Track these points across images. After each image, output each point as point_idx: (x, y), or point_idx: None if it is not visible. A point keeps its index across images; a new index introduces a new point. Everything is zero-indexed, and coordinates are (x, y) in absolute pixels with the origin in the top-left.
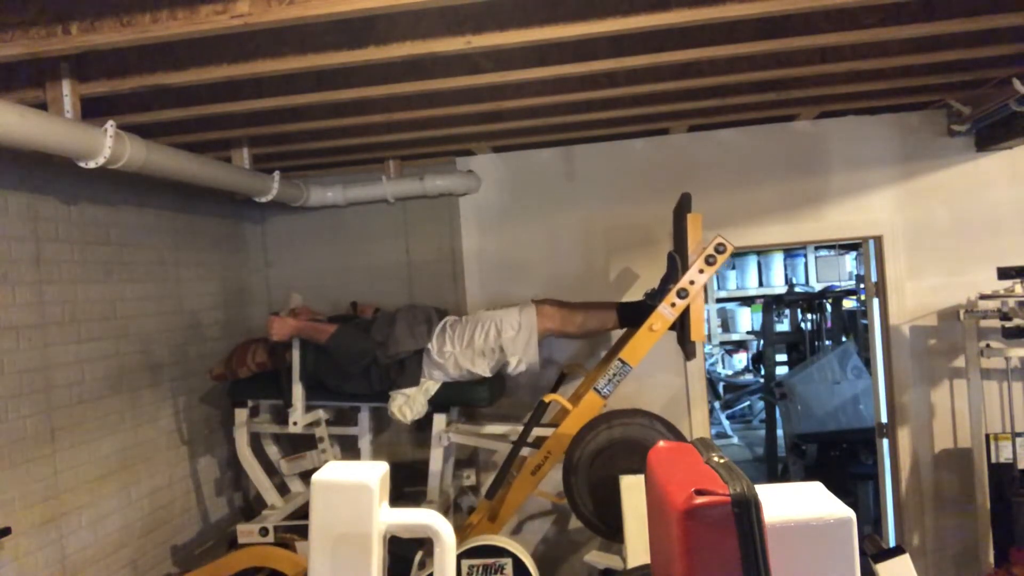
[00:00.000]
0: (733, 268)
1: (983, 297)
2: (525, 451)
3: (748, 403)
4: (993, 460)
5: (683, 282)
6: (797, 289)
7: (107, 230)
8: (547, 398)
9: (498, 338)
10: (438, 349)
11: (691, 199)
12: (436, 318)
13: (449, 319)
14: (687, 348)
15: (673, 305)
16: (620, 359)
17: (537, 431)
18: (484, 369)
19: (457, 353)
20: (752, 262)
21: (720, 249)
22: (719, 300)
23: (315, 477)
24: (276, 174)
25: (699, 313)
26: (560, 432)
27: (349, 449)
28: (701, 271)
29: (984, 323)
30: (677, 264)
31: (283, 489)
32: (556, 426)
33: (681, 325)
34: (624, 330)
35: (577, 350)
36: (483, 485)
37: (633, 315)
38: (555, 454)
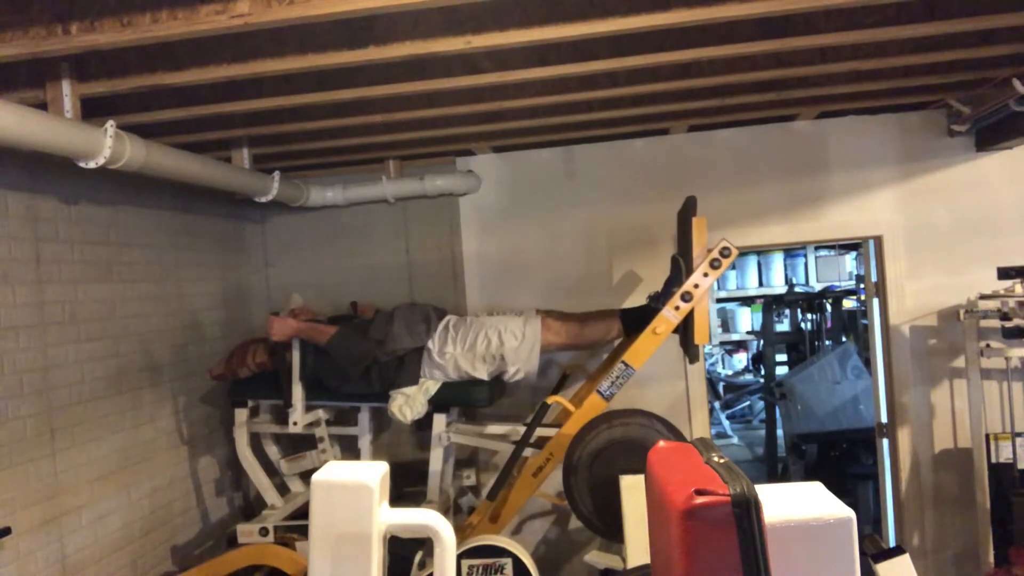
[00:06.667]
0: (733, 268)
1: (983, 297)
2: (528, 451)
3: (748, 403)
4: (993, 460)
5: (687, 285)
6: (797, 289)
7: (107, 230)
8: (550, 400)
9: (500, 346)
10: (439, 349)
11: (696, 202)
12: (435, 317)
13: (451, 319)
14: (690, 351)
15: (677, 308)
16: (623, 361)
17: (540, 432)
18: (483, 373)
19: (458, 355)
20: (752, 262)
21: (725, 252)
22: (719, 300)
23: (315, 477)
24: (276, 174)
25: (703, 316)
26: (563, 434)
27: (349, 449)
28: (705, 275)
29: (984, 323)
30: (681, 267)
31: (283, 489)
32: (559, 426)
33: (685, 328)
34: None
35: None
36: (483, 485)
37: (636, 321)
38: (557, 456)
